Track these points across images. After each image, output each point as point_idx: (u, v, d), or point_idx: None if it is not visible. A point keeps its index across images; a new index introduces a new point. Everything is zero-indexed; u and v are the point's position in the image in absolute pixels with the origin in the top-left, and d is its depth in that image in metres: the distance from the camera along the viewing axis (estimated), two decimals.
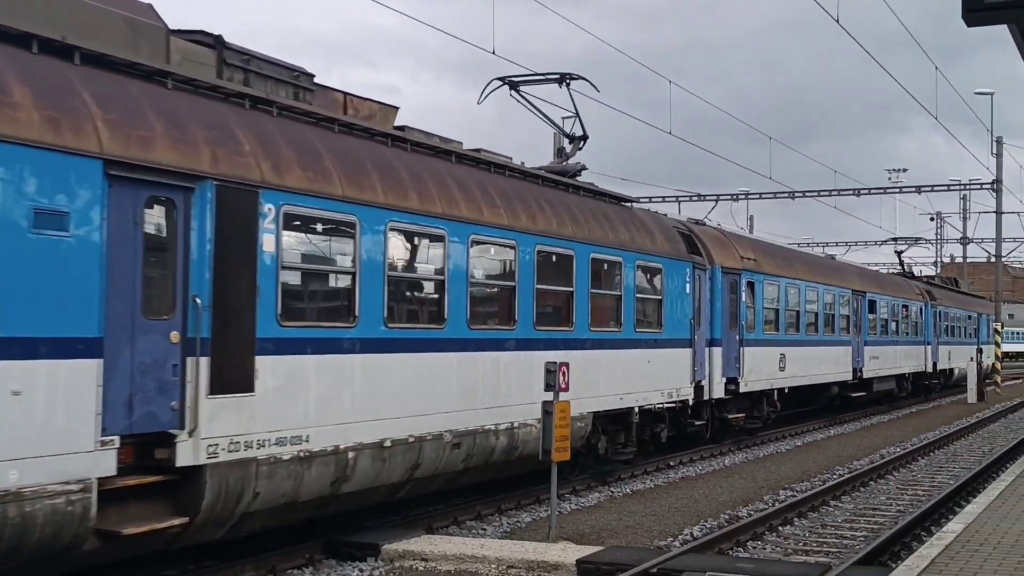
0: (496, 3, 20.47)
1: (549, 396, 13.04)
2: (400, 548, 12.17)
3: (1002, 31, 12.86)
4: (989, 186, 49.21)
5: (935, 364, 43.34)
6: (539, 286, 15.42)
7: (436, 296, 13.79)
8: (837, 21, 22.60)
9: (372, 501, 12.94)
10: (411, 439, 12.53)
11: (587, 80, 18.90)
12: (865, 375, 33.87)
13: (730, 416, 23.00)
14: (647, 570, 11.08)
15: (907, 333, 39.67)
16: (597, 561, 11.53)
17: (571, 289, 16.30)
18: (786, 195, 53.52)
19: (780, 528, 14.64)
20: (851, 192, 53.31)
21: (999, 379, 49.14)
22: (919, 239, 53.59)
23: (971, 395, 42.94)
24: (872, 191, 54.08)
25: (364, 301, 12.06)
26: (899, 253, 50.51)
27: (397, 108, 15.10)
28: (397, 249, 13.06)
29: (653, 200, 48.62)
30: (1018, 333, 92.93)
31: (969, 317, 51.32)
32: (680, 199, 52.01)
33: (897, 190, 55.07)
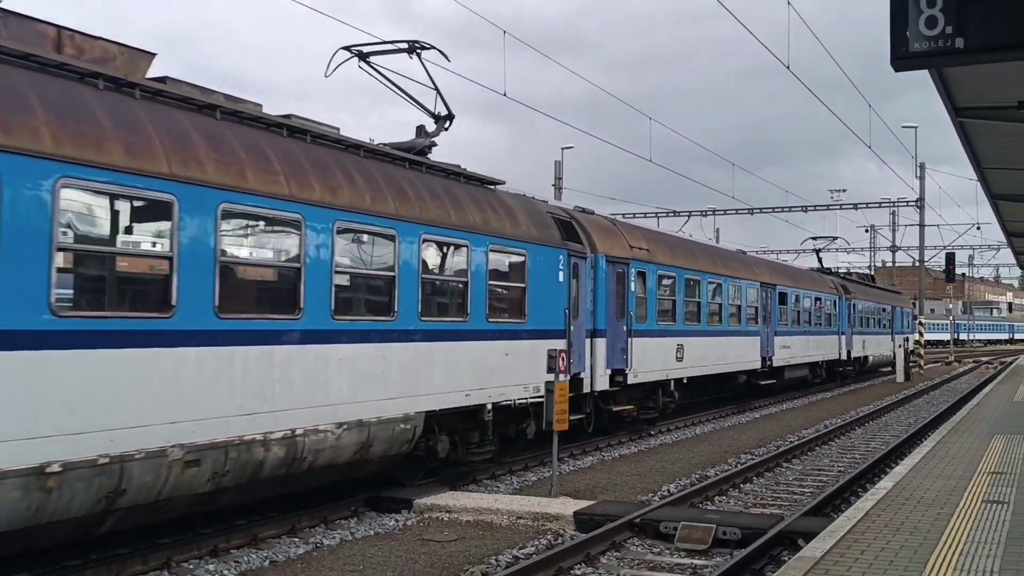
0: (508, 55, 20.52)
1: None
2: (429, 502, 12.18)
3: (924, 75, 12.81)
4: (914, 203, 49.34)
5: (849, 352, 39.04)
6: (342, 269, 11.13)
7: (162, 276, 9.04)
8: (787, 67, 22.50)
9: (42, 545, 8.39)
10: (104, 460, 8.04)
11: (438, 50, 14.78)
12: (775, 364, 29.39)
13: (616, 408, 18.78)
14: (631, 520, 11.06)
15: (820, 324, 35.04)
16: (591, 513, 11.52)
17: (392, 274, 11.98)
18: (746, 211, 53.59)
19: (742, 486, 14.60)
20: (800, 208, 53.53)
21: (922, 362, 49.05)
22: (835, 238, 48.41)
23: (899, 375, 42.92)
24: (817, 207, 54.30)
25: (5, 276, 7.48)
26: (817, 252, 46.00)
27: (153, 55, 10.37)
28: (87, 216, 8.53)
29: (636, 216, 48.64)
30: (938, 325, 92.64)
31: (883, 309, 47.01)
32: (659, 215, 52.16)
33: (838, 207, 55.15)
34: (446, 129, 15.00)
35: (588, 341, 17.25)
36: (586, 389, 17.11)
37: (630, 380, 18.88)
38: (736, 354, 25.99)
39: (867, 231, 73.31)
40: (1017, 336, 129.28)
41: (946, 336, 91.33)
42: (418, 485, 13.38)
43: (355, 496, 12.37)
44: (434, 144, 14.79)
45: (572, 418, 15.17)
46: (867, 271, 73.00)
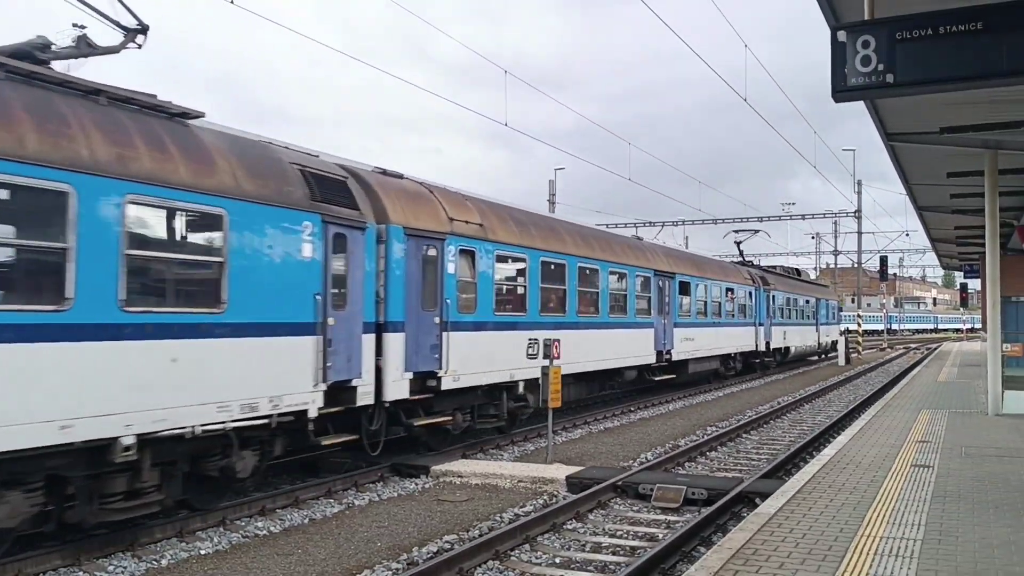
0: (508, 91, 20.48)
1: None
2: (443, 468, 12.16)
3: (861, 105, 12.81)
4: (853, 214, 49.30)
5: (768, 344, 33.39)
6: None
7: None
8: (745, 100, 22.46)
9: None
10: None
11: None
12: (676, 357, 23.26)
13: (418, 423, 12.51)
14: (615, 483, 11.05)
15: (733, 315, 28.99)
16: (580, 477, 11.50)
17: None
18: (711, 221, 53.67)
19: (708, 453, 14.57)
20: (756, 219, 53.46)
21: (860, 348, 48.97)
22: (757, 231, 41.64)
23: (841, 359, 42.80)
24: (770, 219, 54.22)
25: None
26: (738, 243, 39.08)
27: None
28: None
29: (617, 226, 48.57)
30: (874, 317, 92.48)
31: (807, 301, 41.02)
32: (636, 225, 52.06)
33: (789, 217, 54.93)
34: (137, 45, 9.33)
35: (367, 338, 11.39)
36: (362, 401, 11.22)
37: (446, 385, 12.98)
38: (622, 348, 19.88)
39: (813, 238, 73.47)
40: (941, 326, 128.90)
41: (881, 326, 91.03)
42: (435, 454, 13.37)
43: (381, 464, 12.36)
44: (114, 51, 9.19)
45: (328, 443, 10.95)
46: (814, 270, 72.93)
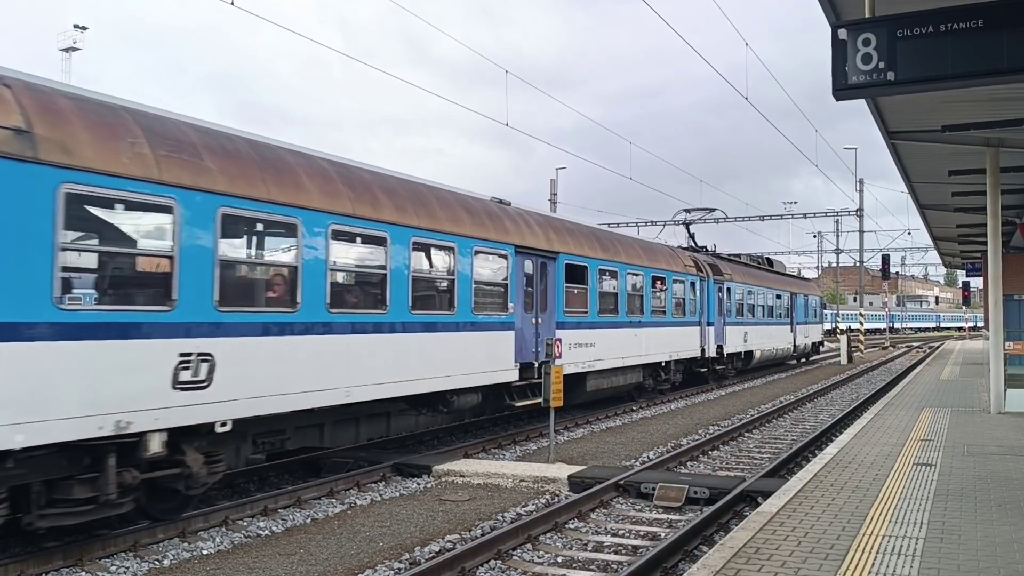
0: (509, 90, 20.46)
1: None
2: (445, 468, 12.16)
3: (862, 103, 12.80)
4: (854, 213, 49.24)
5: (720, 347, 26.45)
6: None
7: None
8: (746, 99, 22.45)
9: None
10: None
11: None
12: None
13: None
14: (617, 482, 11.04)
15: (664, 312, 21.93)
16: (582, 476, 11.49)
17: None
18: (713, 221, 53.55)
19: (710, 452, 14.56)
20: (758, 218, 53.50)
21: (862, 347, 48.94)
22: (712, 209, 32.42)
23: (843, 358, 42.78)
24: (772, 217, 54.26)
25: None
26: (687, 224, 31.51)
27: None
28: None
29: (619, 225, 48.55)
30: (876, 316, 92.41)
31: (778, 297, 34.25)
32: (639, 224, 52.06)
33: (790, 216, 54.94)
34: None
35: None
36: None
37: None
38: (448, 364, 13.04)
39: (815, 237, 73.42)
40: (943, 324, 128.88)
41: (883, 325, 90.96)
42: (436, 454, 13.37)
43: (383, 463, 12.36)
44: None
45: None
46: (815, 269, 72.83)
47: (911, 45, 7.10)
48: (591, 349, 17.70)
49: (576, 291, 17.29)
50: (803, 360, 41.51)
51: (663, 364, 22.28)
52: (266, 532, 9.28)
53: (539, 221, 16.55)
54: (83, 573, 7.82)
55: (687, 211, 31.55)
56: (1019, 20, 6.79)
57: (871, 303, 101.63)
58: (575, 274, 17.17)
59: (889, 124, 14.20)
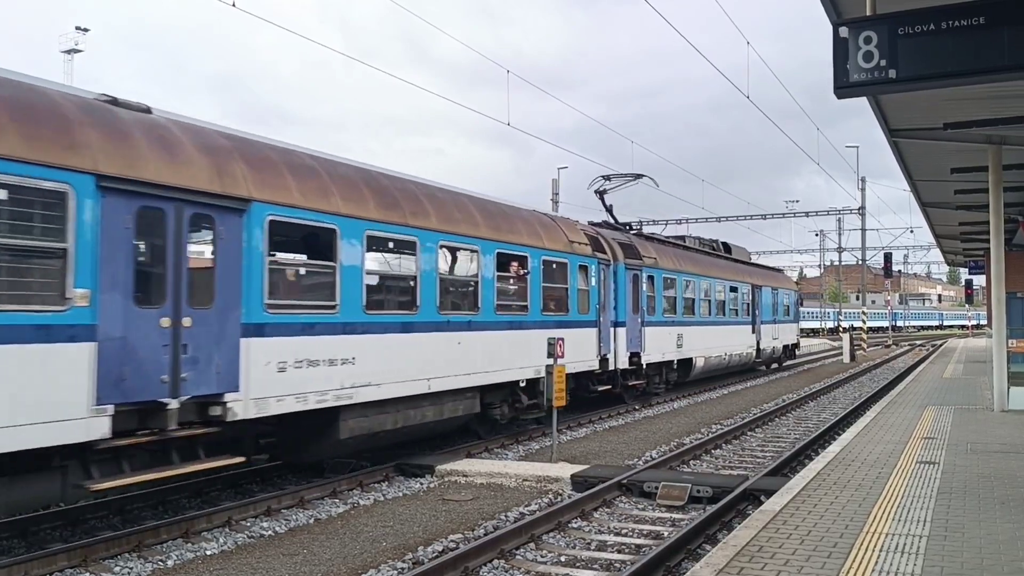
0: (511, 90, 20.51)
1: None
2: (448, 468, 12.17)
3: (863, 101, 12.79)
4: (857, 211, 49.23)
5: (636, 356, 19.88)
6: None
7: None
8: (748, 98, 22.45)
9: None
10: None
11: None
12: (274, 412, 9.60)
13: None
14: (620, 481, 11.04)
15: (525, 307, 15.20)
16: (585, 475, 11.50)
17: None
18: (714, 219, 53.68)
19: (713, 451, 14.56)
20: (760, 217, 53.53)
21: (865, 345, 48.91)
22: (638, 176, 23.12)
23: (846, 357, 42.74)
24: (774, 216, 54.27)
25: None
26: (601, 193, 22.98)
27: None
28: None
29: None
30: (879, 314, 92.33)
31: (734, 289, 27.80)
32: (641, 223, 52.06)
33: (792, 215, 54.92)
34: None
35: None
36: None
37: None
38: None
39: (817, 235, 73.38)
40: (946, 323, 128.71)
41: (885, 323, 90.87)
42: (439, 454, 13.37)
43: (386, 463, 12.37)
44: None
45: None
46: (818, 267, 72.68)
47: (912, 43, 7.09)
48: (342, 369, 10.73)
49: (373, 275, 11.61)
50: (772, 367, 34.40)
51: (523, 384, 15.11)
52: (269, 532, 9.29)
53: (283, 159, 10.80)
54: (87, 573, 7.83)
55: (605, 177, 22.70)
56: (1020, 17, 6.78)
57: (873, 301, 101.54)
58: (319, 244, 10.90)
59: (891, 122, 14.19)
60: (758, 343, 30.57)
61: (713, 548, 6.85)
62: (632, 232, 22.54)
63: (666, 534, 9.06)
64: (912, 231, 78.79)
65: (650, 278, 20.94)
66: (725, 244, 30.55)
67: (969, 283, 58.57)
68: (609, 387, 18.64)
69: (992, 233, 15.85)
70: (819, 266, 77.49)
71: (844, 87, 7.36)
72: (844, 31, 7.30)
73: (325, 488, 11.00)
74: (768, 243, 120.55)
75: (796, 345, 37.89)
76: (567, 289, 16.62)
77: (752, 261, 34.38)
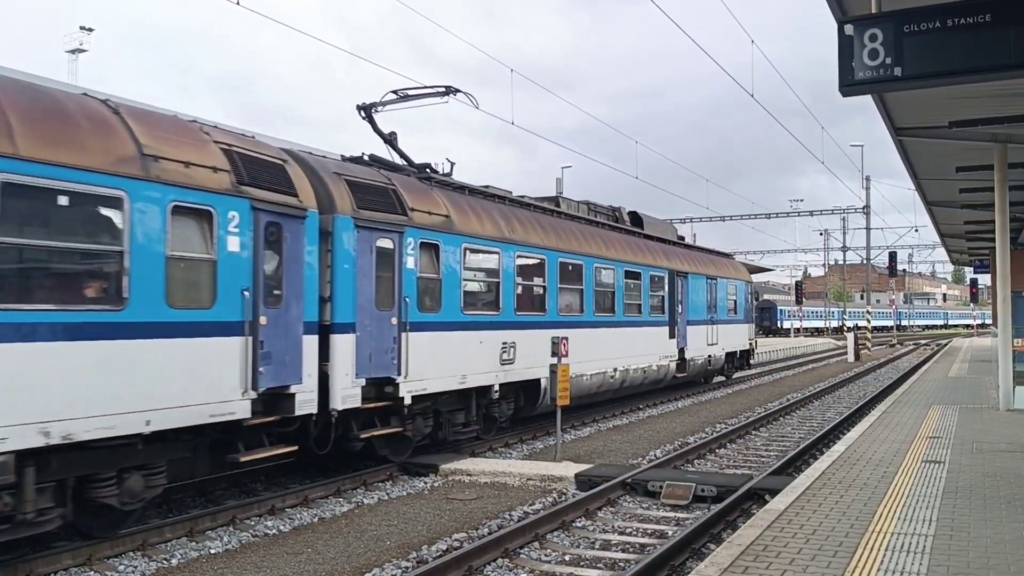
0: (515, 89, 20.51)
1: None
2: (452, 467, 12.17)
3: (868, 99, 12.75)
4: (861, 210, 49.14)
5: (388, 384, 11.63)
6: None
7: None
8: (752, 96, 22.40)
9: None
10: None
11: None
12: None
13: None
14: (624, 480, 11.03)
15: (191, 304, 8.61)
16: (589, 474, 11.50)
17: None
18: (718, 219, 53.69)
19: (717, 450, 14.54)
20: (764, 216, 53.47)
21: (869, 345, 48.83)
22: (428, 89, 14.26)
23: (850, 356, 42.67)
24: (778, 215, 54.25)
25: None
26: (367, 109, 14.25)
27: None
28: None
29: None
30: (883, 313, 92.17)
31: (633, 276, 19.64)
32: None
33: (796, 214, 54.92)
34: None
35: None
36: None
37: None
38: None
39: (821, 234, 73.29)
40: (951, 322, 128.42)
41: (890, 323, 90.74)
42: (443, 453, 13.37)
43: (390, 462, 12.37)
44: None
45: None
46: (822, 267, 72.53)
47: (918, 40, 7.07)
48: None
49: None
50: (710, 380, 26.53)
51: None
52: (274, 531, 9.30)
53: None
54: (92, 572, 7.84)
55: (395, 92, 14.54)
56: None
57: (878, 300, 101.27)
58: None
59: (896, 120, 14.15)
60: (682, 351, 22.16)
61: (717, 547, 6.85)
62: (426, 178, 13.71)
63: (670, 533, 9.05)
64: (917, 230, 78.62)
65: (431, 248, 12.59)
66: (635, 214, 22.33)
67: (974, 282, 58.50)
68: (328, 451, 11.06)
69: (998, 232, 15.80)
70: (823, 265, 77.42)
71: (849, 85, 7.34)
72: (849, 29, 7.28)
73: (329, 487, 11.00)
74: (773, 242, 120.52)
75: (750, 352, 29.07)
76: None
77: (682, 241, 26.02)
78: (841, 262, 69.78)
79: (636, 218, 22.42)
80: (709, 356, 24.59)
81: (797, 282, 70.37)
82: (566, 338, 13.29)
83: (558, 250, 16.29)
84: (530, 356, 14.82)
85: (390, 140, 14.48)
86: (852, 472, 9.59)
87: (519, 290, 15.12)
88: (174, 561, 8.20)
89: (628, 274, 19.34)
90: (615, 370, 18.32)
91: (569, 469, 11.84)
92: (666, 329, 21.32)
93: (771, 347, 49.05)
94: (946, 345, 56.44)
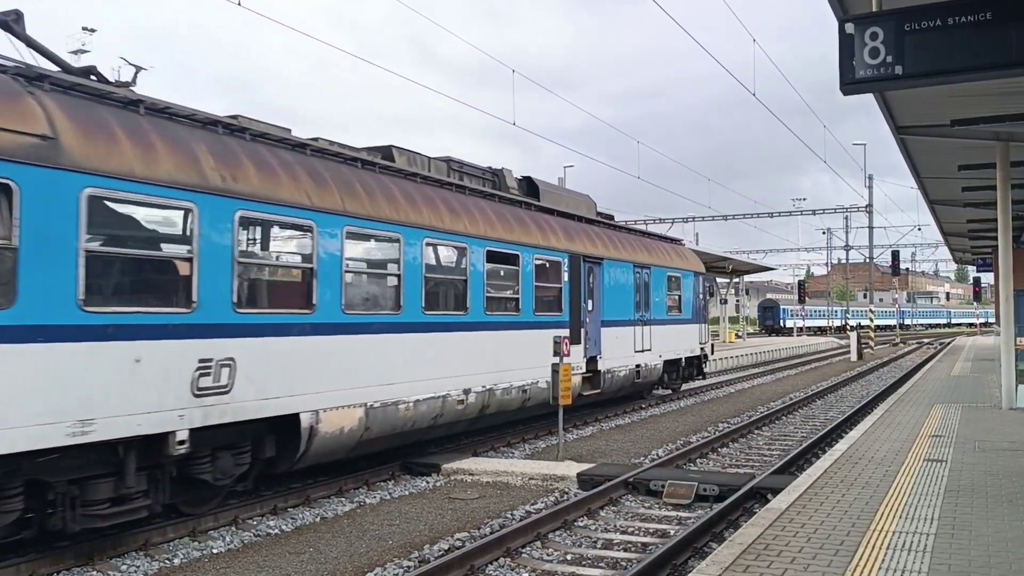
0: (516, 89, 20.50)
1: None
2: (454, 466, 12.17)
3: (870, 98, 12.74)
4: (864, 209, 49.09)
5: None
6: None
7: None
8: (754, 95, 22.40)
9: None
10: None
11: None
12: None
13: None
14: (626, 480, 11.03)
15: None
16: (591, 474, 11.49)
17: None
18: (721, 218, 53.65)
19: (720, 449, 14.53)
20: (767, 215, 53.42)
21: (872, 344, 48.77)
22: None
23: (853, 355, 42.61)
24: (781, 214, 54.18)
25: None
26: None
27: None
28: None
29: (627, 222, 48.57)
30: (886, 312, 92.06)
31: (509, 260, 14.34)
32: (647, 222, 52.08)
33: (799, 213, 54.81)
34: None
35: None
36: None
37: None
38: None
39: (824, 234, 73.23)
40: (954, 321, 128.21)
41: (893, 321, 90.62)
42: (445, 452, 13.38)
43: (391, 462, 12.38)
44: None
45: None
46: (825, 266, 72.43)
47: (919, 39, 7.06)
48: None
49: None
50: (648, 394, 21.95)
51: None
52: (276, 531, 9.31)
53: None
54: (95, 572, 7.86)
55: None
56: None
57: (881, 300, 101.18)
58: None
59: (898, 119, 14.14)
60: (593, 361, 16.98)
61: (719, 546, 6.84)
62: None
63: (672, 532, 9.05)
64: (920, 229, 78.54)
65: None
66: (530, 181, 17.04)
67: (977, 281, 58.39)
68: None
69: (1000, 230, 15.78)
70: (826, 264, 77.38)
71: (850, 84, 7.32)
72: (850, 27, 7.27)
73: (331, 487, 11.01)
74: (775, 242, 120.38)
75: (702, 358, 23.31)
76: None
77: (607, 220, 19.93)
78: (844, 261, 69.78)
79: (531, 186, 16.97)
80: (638, 366, 19.01)
81: (800, 281, 70.36)
82: (566, 338, 13.20)
83: (341, 213, 10.58)
84: (272, 379, 9.41)
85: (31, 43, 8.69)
86: (854, 471, 9.58)
87: (249, 274, 9.50)
88: (176, 561, 8.21)
89: (495, 256, 13.90)
90: (466, 392, 12.93)
91: (571, 468, 11.84)
92: (565, 332, 15.28)
93: (774, 346, 49.02)
94: (949, 344, 56.35)
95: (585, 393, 16.74)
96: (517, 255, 14.59)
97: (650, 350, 19.81)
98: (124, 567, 7.98)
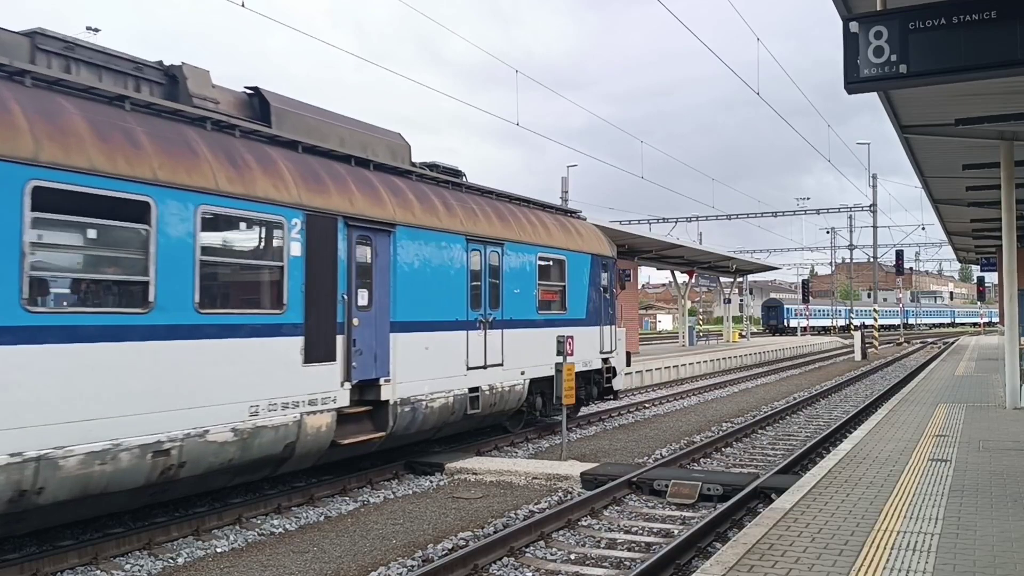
0: (520, 90, 20.47)
1: None
2: (458, 466, 12.17)
3: (874, 97, 12.72)
4: (868, 208, 49.03)
5: None
6: None
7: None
8: (758, 94, 22.37)
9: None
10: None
11: None
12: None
13: None
14: (629, 479, 11.02)
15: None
16: (595, 473, 11.48)
17: None
18: (724, 217, 53.63)
19: (723, 449, 14.51)
20: (770, 214, 53.43)
21: (876, 343, 48.70)
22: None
23: (857, 355, 42.56)
24: (785, 213, 54.18)
25: None
26: None
27: None
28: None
29: (631, 222, 48.55)
30: (890, 311, 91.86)
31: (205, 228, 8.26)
32: (650, 222, 52.10)
33: (803, 212, 54.77)
34: None
35: None
36: None
37: None
38: None
39: (828, 233, 73.19)
40: (958, 320, 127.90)
41: (897, 321, 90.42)
42: (449, 452, 13.38)
43: (395, 462, 12.38)
44: None
45: None
46: (829, 265, 72.32)
47: (923, 37, 7.04)
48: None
49: None
50: (500, 426, 15.17)
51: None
52: (280, 530, 9.31)
53: None
54: (98, 571, 7.86)
55: None
56: None
57: (885, 299, 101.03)
58: None
59: (902, 118, 14.11)
60: (373, 385, 10.96)
61: (723, 546, 6.83)
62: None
63: (676, 532, 9.04)
64: (924, 228, 78.60)
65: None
66: (260, 95, 10.59)
67: (981, 280, 58.23)
68: None
69: (1004, 230, 15.74)
70: (830, 264, 77.33)
71: (854, 83, 7.31)
72: (854, 26, 7.25)
73: (335, 486, 11.02)
74: (780, 241, 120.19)
75: (609, 374, 17.09)
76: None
77: (430, 170, 13.38)
78: (848, 260, 69.65)
79: (262, 103, 10.54)
80: (474, 390, 12.89)
81: (804, 281, 70.25)
82: (571, 337, 13.19)
83: None
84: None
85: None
86: (858, 471, 9.56)
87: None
88: (180, 560, 8.21)
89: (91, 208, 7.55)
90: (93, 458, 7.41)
91: (575, 468, 11.83)
92: (299, 342, 9.64)
93: (778, 346, 48.95)
94: (953, 343, 56.23)
95: (343, 442, 10.35)
96: (148, 203, 7.88)
97: (501, 365, 13.57)
98: (128, 566, 7.98)
